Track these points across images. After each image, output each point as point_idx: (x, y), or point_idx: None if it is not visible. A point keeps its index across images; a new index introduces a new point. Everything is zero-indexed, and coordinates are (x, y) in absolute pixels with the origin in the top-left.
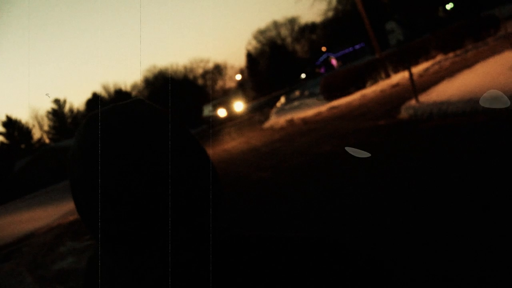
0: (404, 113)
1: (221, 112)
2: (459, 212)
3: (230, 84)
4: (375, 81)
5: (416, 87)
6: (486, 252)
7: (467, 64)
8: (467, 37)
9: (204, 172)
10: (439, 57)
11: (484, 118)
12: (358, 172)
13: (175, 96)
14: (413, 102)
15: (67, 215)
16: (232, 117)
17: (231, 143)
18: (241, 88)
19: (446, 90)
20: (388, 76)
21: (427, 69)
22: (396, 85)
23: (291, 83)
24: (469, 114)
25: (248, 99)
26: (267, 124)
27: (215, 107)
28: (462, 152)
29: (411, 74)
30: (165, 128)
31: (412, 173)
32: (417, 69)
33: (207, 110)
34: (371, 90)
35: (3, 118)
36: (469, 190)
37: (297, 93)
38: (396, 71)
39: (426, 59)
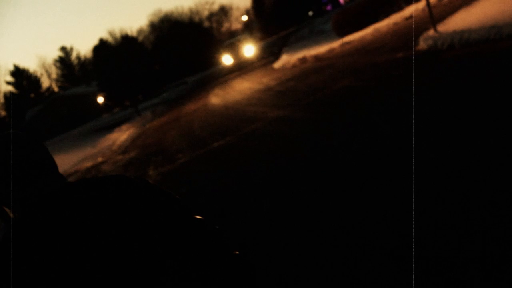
0: (423, 44)
1: (227, 60)
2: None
3: (236, 25)
4: (387, 14)
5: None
6: None
7: None
8: None
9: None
10: None
11: (510, 44)
12: (381, 106)
13: (182, 40)
14: (431, 32)
15: (82, 162)
16: (240, 64)
17: (244, 84)
18: (248, 29)
19: (465, 18)
20: (400, 8)
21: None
22: (410, 17)
23: (299, 22)
24: (493, 40)
25: (256, 40)
26: (279, 64)
27: (222, 52)
28: (492, 79)
29: (428, 2)
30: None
31: (444, 105)
32: (431, 0)
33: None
34: (384, 24)
35: (11, 68)
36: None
37: (306, 31)
38: (409, 3)
39: None
